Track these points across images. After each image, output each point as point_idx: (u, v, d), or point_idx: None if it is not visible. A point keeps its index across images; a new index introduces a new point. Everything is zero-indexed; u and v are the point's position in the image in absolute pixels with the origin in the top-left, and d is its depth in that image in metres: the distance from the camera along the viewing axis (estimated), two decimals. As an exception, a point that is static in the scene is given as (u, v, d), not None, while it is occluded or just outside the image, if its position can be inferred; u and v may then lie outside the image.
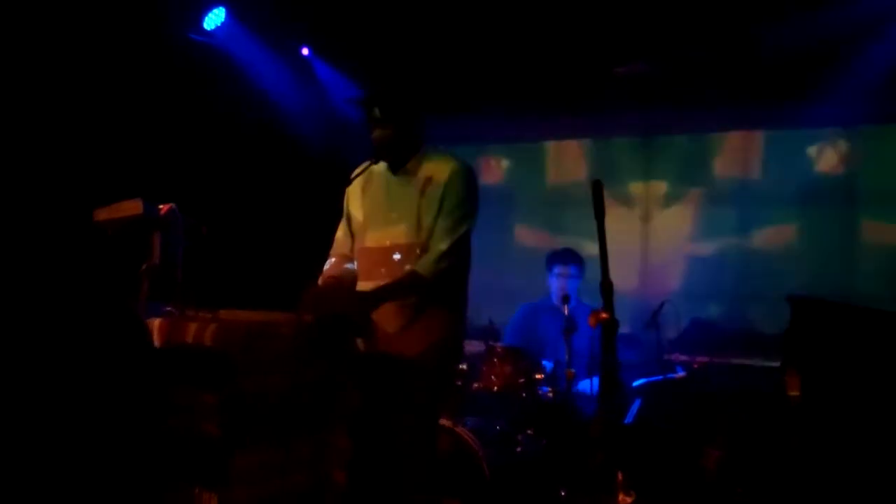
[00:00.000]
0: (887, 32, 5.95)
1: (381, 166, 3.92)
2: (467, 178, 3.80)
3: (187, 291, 3.58)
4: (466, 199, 3.77)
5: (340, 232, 4.10)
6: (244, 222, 6.44)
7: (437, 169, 3.80)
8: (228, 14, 6.68)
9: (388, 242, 3.81)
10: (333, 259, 4.04)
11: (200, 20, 6.62)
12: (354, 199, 4.03)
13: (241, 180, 6.77)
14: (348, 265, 3.99)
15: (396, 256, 3.75)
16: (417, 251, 3.72)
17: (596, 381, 5.37)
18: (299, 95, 7.31)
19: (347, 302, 3.66)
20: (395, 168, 3.88)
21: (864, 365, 3.55)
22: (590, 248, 6.16)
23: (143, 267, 3.63)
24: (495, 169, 7.97)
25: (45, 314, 2.59)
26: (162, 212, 4.06)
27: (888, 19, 5.89)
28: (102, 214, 4.00)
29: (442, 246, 3.68)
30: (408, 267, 3.70)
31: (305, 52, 7.27)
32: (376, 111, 3.81)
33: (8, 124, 5.18)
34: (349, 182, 3.96)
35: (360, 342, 3.71)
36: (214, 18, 6.65)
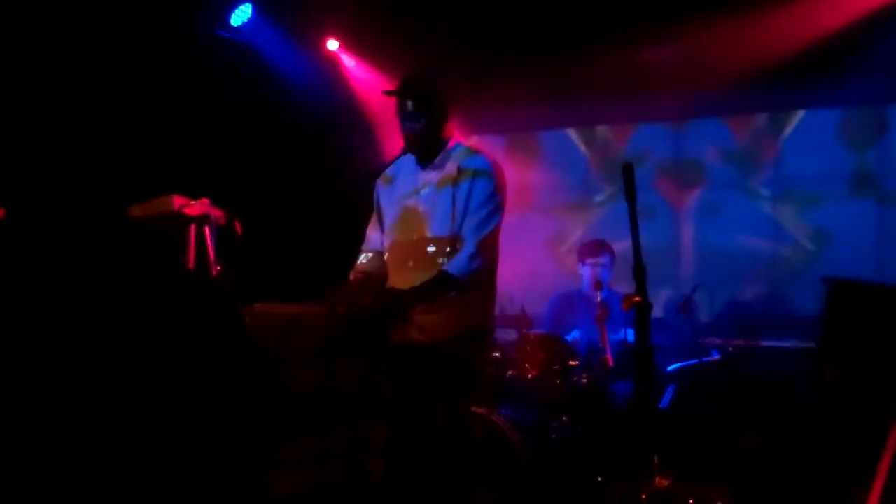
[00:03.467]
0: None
1: (410, 160, 3.94)
2: (495, 173, 3.82)
3: (222, 284, 3.62)
4: (494, 194, 3.78)
5: (371, 226, 4.12)
6: (276, 216, 6.48)
7: (466, 165, 3.82)
8: (255, 10, 6.71)
9: (415, 236, 3.82)
10: (364, 254, 4.07)
11: (227, 16, 6.66)
12: (384, 193, 4.05)
13: (271, 175, 6.81)
14: (379, 260, 4.01)
15: (431, 249, 3.76)
16: (448, 245, 3.74)
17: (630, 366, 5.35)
18: (327, 90, 7.33)
19: (382, 300, 3.68)
20: (425, 162, 3.89)
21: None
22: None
23: (179, 261, 3.67)
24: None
25: (79, 306, 2.63)
26: (196, 207, 4.10)
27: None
28: (137, 210, 4.05)
29: (472, 245, 3.70)
30: (441, 261, 3.72)
31: (333, 45, 7.28)
32: (409, 104, 3.82)
33: (44, 123, 5.24)
34: (378, 175, 3.98)
35: (394, 335, 3.72)
36: (241, 15, 6.69)
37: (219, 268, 4.08)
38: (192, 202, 4.16)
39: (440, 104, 3.85)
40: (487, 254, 3.74)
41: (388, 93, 3.91)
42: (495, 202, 3.78)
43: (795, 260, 6.84)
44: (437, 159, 3.87)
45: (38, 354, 2.55)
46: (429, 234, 3.79)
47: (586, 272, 6.02)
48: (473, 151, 3.89)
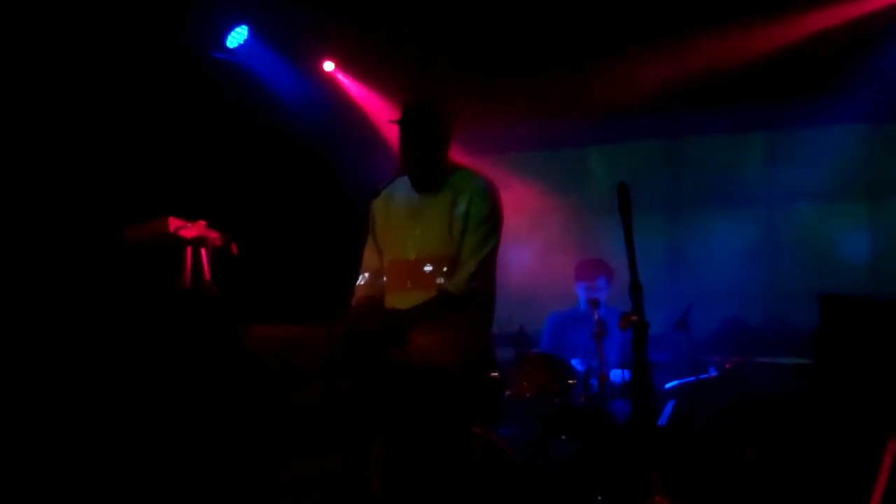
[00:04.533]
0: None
1: (406, 182, 3.96)
2: (491, 194, 3.84)
3: (219, 306, 3.62)
4: (490, 215, 3.80)
5: (368, 247, 4.12)
6: (272, 238, 6.48)
7: (462, 186, 3.84)
8: (251, 32, 6.73)
9: (413, 257, 3.83)
10: (364, 275, 4.07)
11: (223, 39, 6.68)
12: (380, 214, 4.05)
13: (268, 196, 6.81)
14: (378, 281, 4.02)
15: (428, 269, 3.77)
16: (445, 265, 3.75)
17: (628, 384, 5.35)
18: (323, 111, 7.35)
19: (382, 322, 3.69)
20: (421, 185, 3.91)
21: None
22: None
23: (175, 283, 3.67)
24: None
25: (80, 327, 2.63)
26: (192, 229, 4.10)
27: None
28: (133, 232, 4.05)
29: (471, 265, 3.72)
30: (440, 281, 3.73)
31: (329, 67, 7.31)
32: (412, 130, 3.84)
33: (40, 144, 5.25)
34: (374, 195, 4.00)
35: (394, 355, 3.73)
36: (237, 37, 6.71)
37: (215, 290, 4.08)
38: (189, 224, 4.16)
39: (444, 129, 3.88)
40: (486, 273, 3.76)
41: (395, 122, 3.92)
42: (493, 222, 3.81)
43: (790, 276, 6.85)
44: (433, 180, 3.89)
45: (34, 373, 2.56)
46: (426, 254, 3.81)
47: (581, 292, 6.02)
48: (470, 173, 3.91)
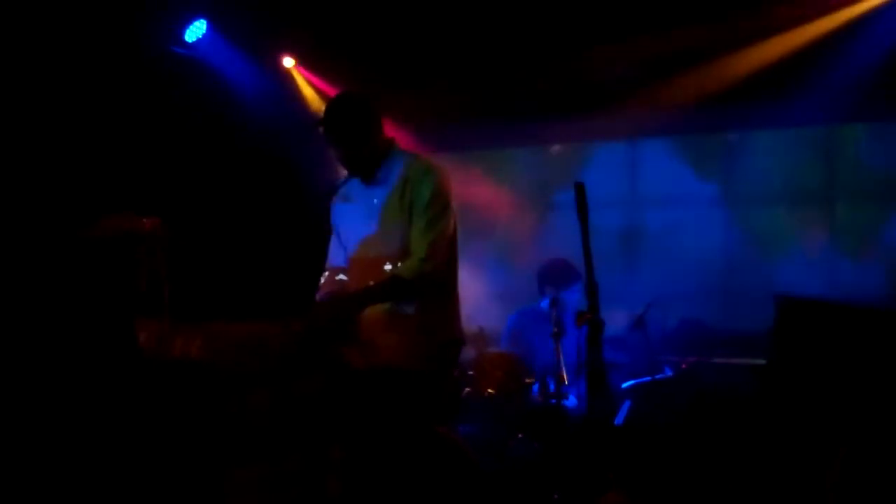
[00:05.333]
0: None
1: (358, 179, 3.95)
2: (436, 176, 3.81)
3: (174, 305, 3.58)
4: (435, 198, 3.77)
5: (332, 244, 4.12)
6: (230, 234, 6.43)
7: (408, 172, 3.83)
8: (209, 26, 6.67)
9: (372, 254, 3.83)
10: (328, 273, 4.07)
11: (182, 33, 6.62)
12: (340, 212, 4.06)
13: (225, 193, 6.75)
14: (341, 277, 4.01)
15: (387, 267, 3.76)
16: (403, 259, 3.74)
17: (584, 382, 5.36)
18: (282, 106, 7.31)
19: (335, 310, 3.68)
20: (369, 180, 3.90)
21: (850, 363, 3.57)
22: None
23: (130, 281, 3.63)
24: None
25: (33, 329, 2.59)
26: (147, 226, 4.05)
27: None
28: (86, 230, 3.99)
29: (421, 249, 3.70)
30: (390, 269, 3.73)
31: (288, 62, 7.26)
32: (332, 132, 3.85)
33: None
34: (333, 194, 3.99)
35: (354, 355, 3.71)
36: (195, 31, 6.65)
37: (170, 288, 4.04)
38: (144, 221, 4.12)
39: (365, 123, 3.85)
40: (439, 257, 3.73)
41: (316, 125, 3.93)
42: (440, 204, 3.78)
43: (747, 277, 6.91)
44: (380, 174, 3.88)
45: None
46: (384, 251, 3.80)
47: (545, 295, 6.00)
48: (413, 157, 3.91)
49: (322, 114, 3.92)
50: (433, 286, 3.75)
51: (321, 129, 3.87)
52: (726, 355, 5.92)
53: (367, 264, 3.84)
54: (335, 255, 4.08)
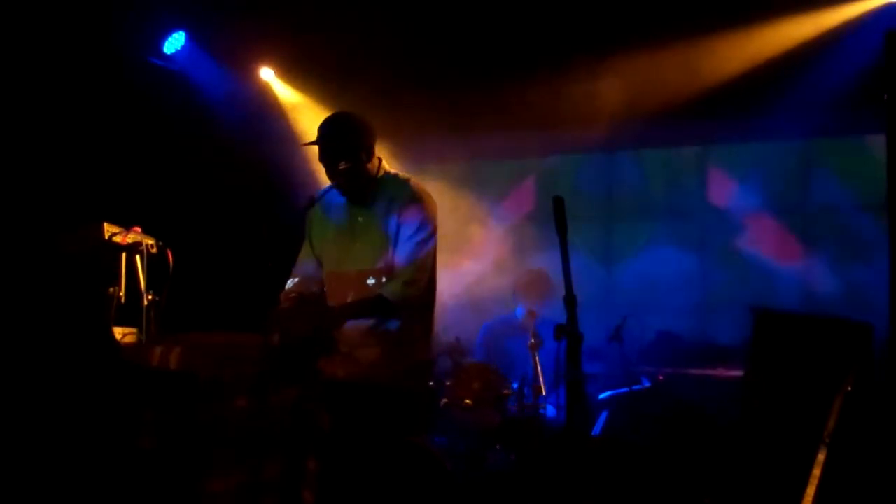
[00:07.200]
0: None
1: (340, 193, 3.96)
2: (424, 202, 3.87)
3: (153, 314, 3.58)
4: (424, 222, 3.83)
5: (303, 253, 4.13)
6: (208, 245, 6.41)
7: (394, 194, 3.87)
8: (188, 38, 6.67)
9: (353, 269, 3.85)
10: (293, 280, 4.07)
11: (160, 44, 6.61)
12: (317, 224, 4.07)
13: (204, 203, 6.74)
14: (309, 287, 4.02)
15: (370, 282, 3.78)
16: (385, 276, 3.77)
17: (562, 394, 5.37)
18: (260, 118, 7.30)
19: (313, 318, 3.68)
20: (353, 198, 3.93)
21: (826, 375, 3.60)
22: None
23: (110, 291, 3.62)
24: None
25: (12, 339, 2.58)
26: (126, 236, 4.05)
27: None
28: (65, 239, 3.99)
29: (407, 273, 3.74)
30: (374, 288, 3.74)
31: (267, 74, 7.26)
32: (330, 152, 3.87)
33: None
34: (310, 205, 3.99)
35: (332, 367, 3.72)
36: (174, 42, 6.64)
37: (150, 297, 4.04)
38: (123, 231, 4.12)
39: (362, 143, 3.88)
40: (422, 282, 3.78)
41: (310, 144, 3.95)
42: (427, 230, 3.83)
43: (724, 290, 6.96)
44: (369, 193, 3.91)
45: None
46: (367, 266, 3.83)
47: (520, 308, 6.03)
48: (402, 180, 3.94)
49: (319, 129, 3.93)
50: (413, 308, 3.78)
51: (322, 148, 3.88)
52: (702, 367, 5.96)
53: (349, 279, 3.87)
54: (305, 264, 4.09)
